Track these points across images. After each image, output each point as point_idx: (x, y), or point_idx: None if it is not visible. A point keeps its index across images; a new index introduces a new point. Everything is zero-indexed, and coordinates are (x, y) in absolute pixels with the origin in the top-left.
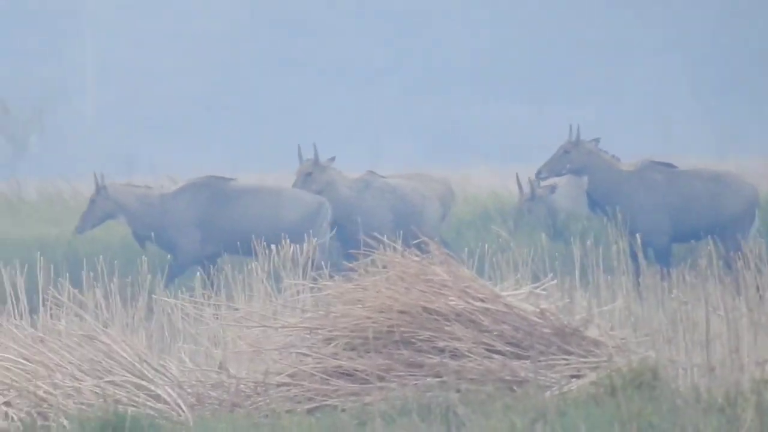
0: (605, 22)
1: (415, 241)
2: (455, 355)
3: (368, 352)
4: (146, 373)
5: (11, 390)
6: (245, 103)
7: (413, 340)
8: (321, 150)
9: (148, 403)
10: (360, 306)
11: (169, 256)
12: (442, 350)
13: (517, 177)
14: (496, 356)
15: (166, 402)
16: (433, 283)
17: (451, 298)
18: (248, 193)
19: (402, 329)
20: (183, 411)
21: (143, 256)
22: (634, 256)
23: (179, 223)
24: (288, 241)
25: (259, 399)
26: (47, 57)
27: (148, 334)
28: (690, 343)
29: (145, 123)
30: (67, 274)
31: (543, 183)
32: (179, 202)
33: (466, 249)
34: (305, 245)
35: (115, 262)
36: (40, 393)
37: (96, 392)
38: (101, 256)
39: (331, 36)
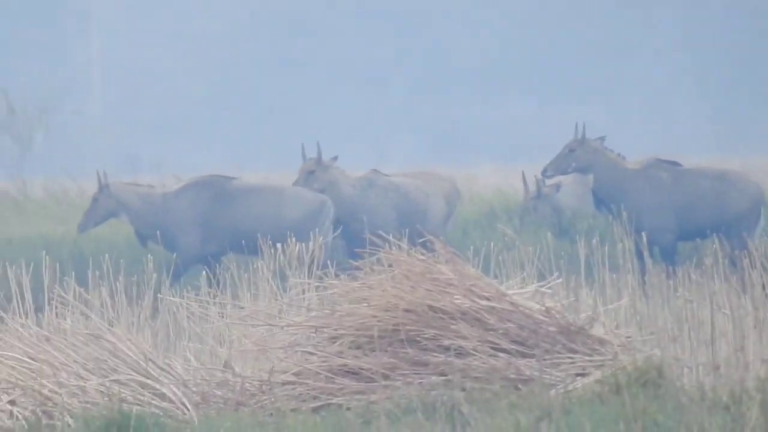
0: (609, 22)
1: (420, 240)
2: (460, 353)
3: (373, 351)
4: (151, 371)
5: (16, 389)
6: (246, 103)
7: (418, 338)
8: (324, 150)
9: (153, 401)
10: (365, 305)
11: (174, 255)
12: (447, 349)
13: (523, 175)
14: (501, 355)
15: (171, 401)
16: (439, 281)
17: (456, 296)
18: (250, 191)
19: (407, 328)
20: (188, 410)
21: (149, 255)
22: (639, 255)
23: (181, 222)
24: (294, 239)
25: (264, 398)
26: (52, 57)
27: (154, 332)
28: (695, 341)
29: (148, 122)
30: (73, 273)
31: (548, 181)
32: (181, 200)
33: (471, 247)
34: (311, 244)
35: (121, 261)
36: (45, 392)
37: (101, 391)
38: (107, 255)
39: (332, 36)
